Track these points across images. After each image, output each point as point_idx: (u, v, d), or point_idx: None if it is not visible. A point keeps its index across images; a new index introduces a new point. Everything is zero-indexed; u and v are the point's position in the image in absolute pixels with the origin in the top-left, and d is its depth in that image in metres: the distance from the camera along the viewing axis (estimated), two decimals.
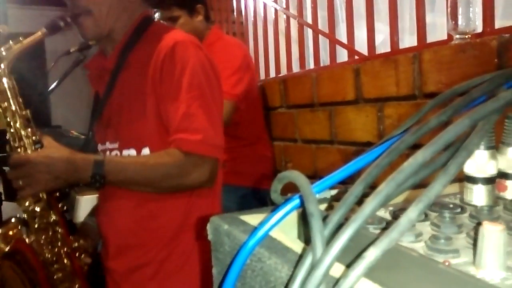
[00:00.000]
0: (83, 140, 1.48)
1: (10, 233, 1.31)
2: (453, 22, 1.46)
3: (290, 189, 0.45)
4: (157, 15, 2.18)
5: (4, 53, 1.27)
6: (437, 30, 1.85)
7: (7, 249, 1.28)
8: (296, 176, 0.35)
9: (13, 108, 1.27)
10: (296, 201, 0.38)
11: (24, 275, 1.29)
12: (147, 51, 1.29)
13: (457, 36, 1.45)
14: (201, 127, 1.21)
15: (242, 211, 0.48)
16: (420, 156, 0.30)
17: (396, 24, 1.81)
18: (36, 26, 1.33)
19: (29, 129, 1.27)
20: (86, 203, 2.12)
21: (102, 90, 1.38)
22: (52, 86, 2.29)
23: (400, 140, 0.35)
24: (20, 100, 1.29)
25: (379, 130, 1.76)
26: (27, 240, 1.30)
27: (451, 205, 0.40)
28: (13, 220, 1.33)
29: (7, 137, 1.27)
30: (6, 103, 1.27)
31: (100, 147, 1.39)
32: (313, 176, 2.21)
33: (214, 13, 3.53)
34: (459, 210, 0.39)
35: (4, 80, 1.27)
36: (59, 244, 1.30)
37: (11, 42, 1.28)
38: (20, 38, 1.29)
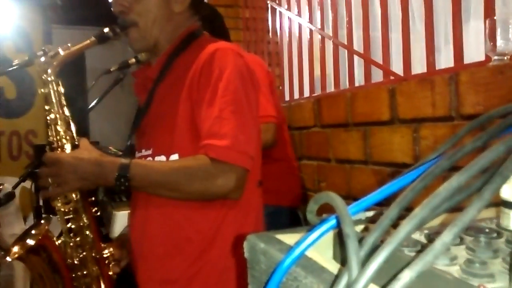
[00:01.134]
0: (124, 148, 1.51)
1: (39, 231, 1.33)
2: (491, 43, 1.44)
3: (325, 209, 0.46)
4: None
5: (51, 58, 1.31)
6: (472, 50, 1.83)
7: (33, 243, 1.29)
8: (333, 198, 0.36)
9: (56, 110, 1.31)
10: (332, 222, 0.39)
11: (50, 273, 1.31)
12: (189, 60, 1.30)
13: (495, 57, 1.43)
14: (231, 133, 1.18)
15: (278, 230, 0.49)
16: (455, 181, 0.31)
17: (432, 44, 1.80)
18: None
19: (69, 132, 1.31)
20: (122, 218, 2.16)
21: (144, 99, 1.41)
22: (93, 103, 2.37)
23: (435, 165, 0.36)
24: (64, 103, 1.33)
25: (414, 151, 1.74)
26: (55, 240, 1.32)
27: (487, 230, 0.40)
28: (43, 220, 1.36)
29: (48, 138, 1.31)
30: (49, 106, 1.31)
31: (137, 154, 1.42)
32: (347, 197, 2.20)
33: (249, 33, 3.59)
34: (495, 235, 0.40)
35: (50, 84, 1.31)
36: (88, 248, 1.31)
37: (59, 49, 1.32)
38: (69, 45, 1.33)
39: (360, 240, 0.34)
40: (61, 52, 1.31)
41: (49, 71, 1.31)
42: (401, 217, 0.35)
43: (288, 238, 0.46)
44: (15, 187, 1.61)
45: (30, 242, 1.27)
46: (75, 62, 1.40)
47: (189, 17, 1.42)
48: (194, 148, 1.22)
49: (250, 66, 1.30)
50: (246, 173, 1.21)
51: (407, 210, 0.36)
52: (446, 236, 0.29)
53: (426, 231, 0.41)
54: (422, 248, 0.37)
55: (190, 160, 1.21)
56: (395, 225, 0.37)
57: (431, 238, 0.39)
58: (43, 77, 1.32)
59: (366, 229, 0.49)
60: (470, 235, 0.40)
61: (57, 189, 1.22)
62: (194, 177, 1.18)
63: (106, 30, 1.33)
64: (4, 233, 3.04)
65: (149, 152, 1.34)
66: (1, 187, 1.26)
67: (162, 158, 1.29)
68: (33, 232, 1.31)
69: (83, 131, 1.38)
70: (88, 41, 1.33)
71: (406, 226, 0.30)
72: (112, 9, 1.37)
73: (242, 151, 1.18)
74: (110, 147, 2.82)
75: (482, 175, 0.37)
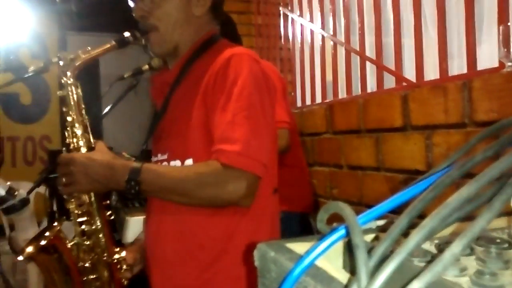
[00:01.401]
0: (139, 152, 1.51)
1: (51, 232, 1.34)
2: (505, 49, 1.43)
3: (336, 218, 0.46)
4: None
5: (71, 61, 1.32)
6: (485, 56, 1.82)
7: (44, 243, 1.30)
8: (342, 208, 0.37)
9: (74, 112, 1.32)
10: (341, 232, 0.39)
11: (61, 275, 1.32)
12: (206, 65, 1.29)
13: (509, 63, 1.42)
14: (243, 138, 1.16)
15: (289, 238, 0.49)
16: (465, 191, 0.31)
17: (445, 50, 1.79)
18: None
19: (85, 134, 1.32)
20: (135, 224, 2.18)
21: (161, 103, 1.41)
22: (106, 109, 2.39)
23: (446, 175, 0.36)
24: (82, 106, 1.34)
25: (427, 158, 1.73)
26: (67, 242, 1.33)
27: (498, 240, 0.40)
28: (56, 222, 1.37)
29: (66, 139, 1.32)
30: (67, 108, 1.32)
31: (153, 158, 1.42)
32: (359, 203, 2.19)
33: (262, 39, 3.61)
34: (506, 245, 0.39)
35: (69, 86, 1.32)
36: (100, 251, 1.32)
37: (79, 51, 1.33)
38: (88, 48, 1.33)
39: (370, 250, 0.34)
40: (81, 55, 1.32)
41: (69, 73, 1.31)
42: (412, 225, 0.35)
43: (299, 246, 0.47)
44: (29, 192, 1.63)
45: (42, 242, 1.28)
46: (90, 68, 1.41)
47: (209, 21, 1.41)
48: (208, 153, 1.21)
49: (266, 72, 1.29)
50: (257, 180, 1.19)
51: (420, 217, 0.36)
52: (456, 247, 0.29)
53: (436, 241, 0.41)
54: (431, 259, 0.36)
55: (201, 165, 1.21)
56: (405, 234, 0.37)
57: (441, 248, 0.39)
58: (62, 80, 1.33)
59: (376, 238, 0.49)
60: (480, 245, 0.39)
61: (67, 188, 1.23)
62: (204, 183, 1.17)
63: (126, 34, 1.34)
64: (19, 238, 3.07)
65: (165, 156, 1.34)
66: (16, 193, 1.27)
67: (177, 162, 1.29)
68: (46, 234, 1.32)
69: (97, 137, 1.39)
70: (108, 45, 1.33)
71: (415, 236, 0.30)
72: (133, 14, 1.37)
73: (254, 157, 1.16)
74: (124, 153, 2.85)
75: (493, 184, 0.36)
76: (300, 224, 2.45)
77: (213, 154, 1.18)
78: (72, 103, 1.32)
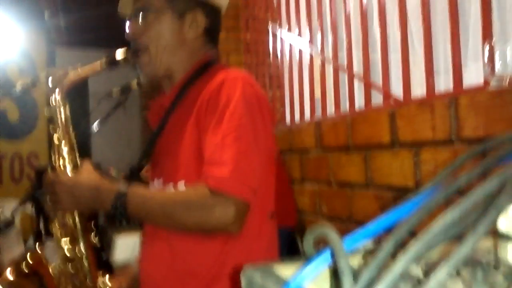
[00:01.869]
0: (129, 172, 1.49)
1: (33, 257, 1.32)
2: (490, 67, 1.45)
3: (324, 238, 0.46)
4: None
5: (59, 79, 1.31)
6: (471, 73, 1.84)
7: (26, 269, 1.28)
8: (327, 232, 0.36)
9: (61, 131, 1.31)
10: (327, 255, 0.39)
11: None
12: (200, 89, 1.29)
13: (494, 81, 1.44)
14: (231, 161, 1.13)
15: (276, 261, 0.49)
16: (448, 216, 0.31)
17: (431, 67, 1.81)
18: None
19: (72, 153, 1.31)
20: (123, 243, 2.16)
21: (156, 127, 1.39)
22: (95, 126, 2.38)
23: (430, 199, 0.36)
24: (70, 124, 1.33)
25: (415, 175, 1.74)
26: (49, 267, 1.31)
27: (484, 262, 0.40)
28: (37, 245, 1.35)
29: (51, 158, 1.31)
30: (54, 126, 1.31)
31: (150, 184, 1.40)
32: (348, 220, 2.19)
33: (250, 56, 3.63)
34: (492, 268, 0.39)
35: (57, 104, 1.31)
36: (83, 277, 1.29)
37: (68, 69, 1.32)
38: (78, 67, 1.32)
39: (356, 274, 0.34)
40: (70, 74, 1.31)
41: (57, 92, 1.30)
42: (404, 241, 0.34)
43: (285, 269, 0.46)
44: (15, 211, 1.61)
45: (22, 267, 1.26)
46: (78, 85, 1.40)
47: (204, 44, 1.39)
48: (199, 176, 1.19)
49: (261, 95, 1.28)
50: (246, 205, 1.15)
51: (411, 235, 0.36)
52: (440, 273, 0.29)
53: (422, 265, 0.41)
54: (417, 282, 0.36)
55: (189, 190, 1.19)
56: (394, 253, 0.36)
57: (427, 272, 0.39)
58: (50, 98, 1.32)
59: (364, 260, 0.49)
60: (467, 268, 0.39)
61: (51, 208, 1.22)
62: (190, 208, 1.15)
63: (116, 54, 1.33)
64: (4, 258, 3.03)
65: (160, 181, 1.33)
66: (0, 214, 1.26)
67: (170, 187, 1.27)
68: (28, 257, 1.30)
69: (85, 153, 1.38)
70: (98, 64, 1.33)
71: (401, 261, 0.30)
72: (125, 34, 1.37)
73: (243, 182, 1.13)
74: (111, 169, 2.83)
75: (478, 206, 0.36)
76: (285, 240, 2.46)
77: (202, 177, 1.16)
78: (60, 122, 1.30)
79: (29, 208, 2.91)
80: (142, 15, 1.33)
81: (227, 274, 1.22)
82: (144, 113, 5.45)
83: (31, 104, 5.58)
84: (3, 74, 5.16)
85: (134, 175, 1.48)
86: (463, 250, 0.29)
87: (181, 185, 1.24)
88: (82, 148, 1.38)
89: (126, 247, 2.14)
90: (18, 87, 1.76)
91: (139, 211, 1.19)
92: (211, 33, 1.41)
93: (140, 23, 1.33)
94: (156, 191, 1.28)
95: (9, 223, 1.25)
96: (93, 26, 5.27)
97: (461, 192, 0.40)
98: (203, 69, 1.36)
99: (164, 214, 1.18)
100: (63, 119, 1.32)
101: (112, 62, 1.33)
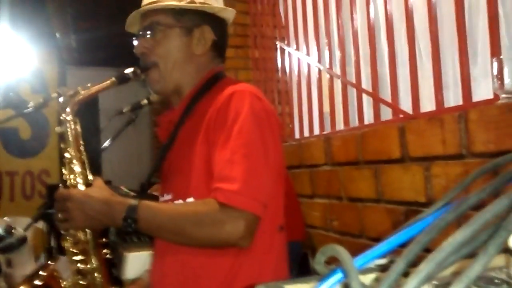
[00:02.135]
0: (139, 187, 1.50)
1: (46, 272, 1.32)
2: (499, 81, 1.45)
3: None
4: None
5: (71, 97, 1.32)
6: (481, 88, 1.84)
7: (39, 283, 1.28)
8: (339, 251, 0.37)
9: (72, 149, 1.31)
10: (339, 274, 0.39)
11: None
12: (208, 104, 1.29)
13: (504, 95, 1.44)
14: (241, 177, 1.14)
15: (288, 280, 0.49)
16: (459, 236, 0.31)
17: (440, 81, 1.82)
18: None
19: (83, 171, 1.31)
20: (134, 259, 2.16)
21: (166, 142, 1.40)
22: (106, 143, 2.40)
23: (440, 218, 0.36)
24: (81, 142, 1.33)
25: (426, 190, 1.73)
26: (62, 281, 1.31)
27: (496, 280, 0.40)
28: (50, 261, 1.35)
29: (63, 176, 1.31)
30: (66, 144, 1.31)
31: (160, 199, 1.41)
32: (360, 235, 2.17)
33: (259, 73, 3.65)
34: (504, 286, 0.39)
35: (68, 122, 1.31)
36: None
37: (79, 88, 1.33)
38: (89, 85, 1.33)
39: None
40: (81, 92, 1.32)
41: (68, 109, 1.31)
42: (419, 258, 0.35)
43: None
44: (26, 228, 1.62)
45: (37, 282, 1.26)
46: (89, 103, 1.41)
47: (212, 59, 1.41)
48: (209, 191, 1.19)
49: (269, 109, 1.28)
50: (256, 220, 1.16)
51: (427, 251, 0.36)
52: None
53: (435, 282, 0.41)
54: None
55: (199, 204, 1.19)
56: (406, 273, 0.37)
57: None
58: (61, 116, 1.32)
59: (376, 279, 0.49)
60: (479, 286, 0.39)
61: (64, 224, 1.22)
62: (201, 223, 1.15)
63: (126, 71, 1.34)
64: (17, 275, 3.03)
65: (170, 196, 1.33)
66: (13, 231, 1.27)
67: (180, 202, 1.27)
68: (40, 273, 1.30)
69: (96, 170, 1.38)
70: (108, 82, 1.33)
71: (412, 282, 0.30)
72: (134, 51, 1.39)
73: (253, 196, 1.14)
74: (122, 187, 2.84)
75: (488, 226, 0.37)
76: (294, 253, 2.45)
77: (211, 193, 1.17)
78: (71, 139, 1.31)
79: (41, 224, 2.93)
80: (151, 32, 1.35)
81: (239, 286, 1.22)
82: (154, 129, 5.48)
83: (42, 122, 5.64)
84: (15, 93, 5.23)
85: (145, 191, 1.49)
86: (474, 270, 0.29)
87: (191, 201, 1.25)
88: (93, 165, 1.39)
89: (137, 263, 2.14)
90: (31, 106, 1.79)
91: (150, 225, 1.19)
92: (219, 48, 1.43)
93: (149, 40, 1.35)
94: (166, 206, 1.28)
95: (22, 240, 1.27)
96: (103, 46, 5.35)
97: (473, 208, 0.40)
98: (211, 83, 1.37)
99: (175, 228, 1.18)
100: (74, 137, 1.32)
101: (122, 79, 1.34)
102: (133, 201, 1.19)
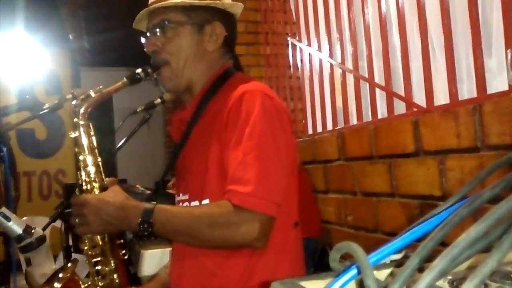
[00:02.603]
0: (154, 186, 1.51)
1: (65, 274, 1.33)
2: None
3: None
4: None
5: (82, 101, 1.32)
6: (496, 78, 1.82)
7: (59, 286, 1.30)
8: (353, 248, 0.37)
9: (86, 153, 1.31)
10: (354, 271, 0.39)
11: None
12: (220, 102, 1.28)
13: None
14: (254, 179, 1.14)
15: (303, 276, 0.49)
16: (473, 231, 0.31)
17: (454, 74, 1.80)
18: (107, 86, 1.40)
19: (98, 175, 1.30)
20: (150, 257, 2.18)
21: (179, 141, 1.39)
22: (120, 143, 2.43)
23: (454, 213, 0.36)
24: (94, 146, 1.33)
25: (441, 183, 1.72)
26: (81, 283, 1.32)
27: None
28: (70, 263, 1.37)
29: (78, 180, 1.31)
30: (80, 148, 1.31)
31: (176, 198, 1.41)
32: (375, 230, 2.17)
33: (271, 69, 3.65)
34: None
35: (81, 127, 1.31)
36: None
37: (91, 91, 1.32)
38: (100, 87, 1.32)
39: None
40: (92, 95, 1.32)
41: (81, 113, 1.30)
42: (434, 252, 0.35)
43: (313, 285, 0.47)
44: (45, 228, 1.65)
45: (57, 285, 1.28)
46: (103, 103, 1.41)
47: (223, 55, 1.40)
48: (223, 193, 1.19)
49: (280, 107, 1.27)
50: (271, 220, 1.16)
51: (443, 245, 0.36)
52: None
53: (450, 277, 0.41)
54: None
55: (213, 206, 1.20)
56: (420, 268, 0.37)
57: (454, 285, 0.39)
58: (74, 120, 1.31)
59: (391, 274, 0.49)
60: (495, 281, 0.39)
61: (81, 229, 1.23)
62: (215, 225, 1.16)
63: (137, 71, 1.33)
64: (35, 273, 3.08)
65: (186, 197, 1.33)
66: (32, 231, 1.29)
67: (196, 203, 1.28)
68: (60, 275, 1.32)
69: (111, 170, 1.39)
70: (120, 83, 1.32)
71: (426, 278, 0.31)
72: (145, 49, 1.38)
73: (266, 197, 1.14)
74: (137, 185, 2.87)
75: (503, 221, 0.37)
76: (309, 249, 2.45)
77: (225, 194, 1.17)
78: (85, 143, 1.31)
79: (58, 223, 2.97)
80: (161, 29, 1.33)
81: (255, 286, 1.23)
82: (167, 128, 5.51)
83: (58, 123, 5.71)
84: (31, 96, 5.30)
85: (159, 190, 1.50)
86: (488, 265, 0.29)
87: (206, 203, 1.25)
88: (108, 164, 1.39)
89: (153, 260, 2.16)
90: (46, 107, 1.82)
91: (165, 228, 1.20)
92: (229, 43, 1.41)
93: (159, 38, 1.33)
94: (181, 209, 1.29)
95: (41, 240, 1.29)
96: (115, 47, 5.39)
97: (489, 202, 0.40)
98: (222, 80, 1.36)
99: (190, 231, 1.19)
100: (88, 141, 1.32)
101: (134, 79, 1.33)
102: (148, 205, 1.19)
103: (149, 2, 1.37)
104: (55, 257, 3.29)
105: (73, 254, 2.60)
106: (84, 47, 5.84)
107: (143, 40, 1.39)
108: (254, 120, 1.19)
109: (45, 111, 1.83)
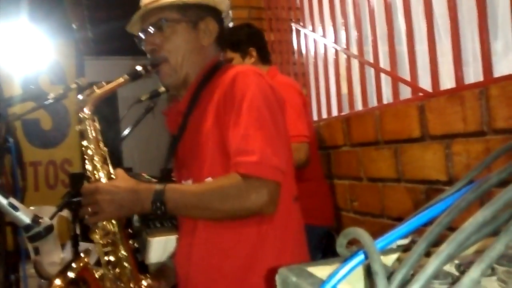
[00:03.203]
0: (160, 173, 1.52)
1: (79, 264, 1.35)
2: None
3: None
4: None
5: (87, 97, 1.35)
6: (502, 61, 1.80)
7: (73, 275, 1.32)
8: (360, 234, 0.37)
9: (93, 146, 1.34)
10: (361, 256, 0.39)
11: None
12: (214, 89, 1.34)
13: None
14: (258, 149, 1.20)
15: (311, 262, 0.50)
16: (480, 216, 0.31)
17: (460, 58, 1.78)
18: (112, 75, 1.43)
19: (105, 167, 1.33)
20: (157, 244, 2.19)
21: (176, 132, 1.44)
22: (125, 132, 2.43)
23: (461, 198, 0.36)
24: (100, 138, 1.37)
25: (447, 168, 1.71)
26: (94, 272, 1.34)
27: None
28: (82, 253, 1.39)
29: (86, 171, 1.34)
30: (86, 142, 1.34)
31: None
32: (381, 215, 2.17)
33: (275, 56, 3.63)
34: None
35: (87, 121, 1.34)
36: (127, 280, 1.32)
37: (94, 87, 1.36)
38: (103, 83, 1.37)
39: (390, 275, 0.34)
40: (96, 90, 1.36)
41: (86, 109, 1.34)
42: (442, 237, 0.35)
43: (320, 270, 0.47)
44: (52, 217, 1.66)
45: (70, 274, 1.30)
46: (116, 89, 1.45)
47: (214, 49, 1.46)
48: (224, 172, 1.25)
49: (272, 86, 1.33)
50: (278, 186, 1.22)
51: (450, 229, 0.36)
52: (474, 272, 0.29)
53: (457, 261, 0.41)
54: (452, 281, 0.37)
55: (222, 179, 1.24)
56: (427, 253, 0.37)
57: (461, 269, 0.39)
58: (79, 115, 1.35)
59: (398, 259, 0.49)
60: (502, 264, 0.39)
61: (94, 217, 1.24)
62: (227, 196, 1.21)
63: (138, 68, 1.38)
64: (44, 262, 3.12)
65: (190, 182, 1.37)
66: (40, 220, 1.30)
67: None
68: (73, 265, 1.34)
69: (116, 159, 1.41)
70: (121, 79, 1.37)
71: (433, 262, 0.31)
72: (143, 48, 1.43)
73: (271, 164, 1.20)
74: (143, 173, 2.88)
75: (510, 206, 0.37)
76: (323, 237, 2.45)
77: (231, 167, 1.22)
78: (91, 137, 1.34)
79: (65, 212, 2.99)
80: (159, 28, 1.38)
81: (264, 260, 1.27)
82: None
83: (63, 113, 5.73)
84: (35, 87, 5.31)
85: (165, 176, 1.52)
86: (496, 249, 0.29)
87: (214, 178, 1.28)
88: (114, 153, 1.41)
89: (160, 248, 2.18)
90: (51, 97, 1.82)
91: (178, 205, 1.24)
92: (220, 38, 1.47)
93: (157, 36, 1.38)
94: (191, 186, 1.32)
95: (49, 229, 1.30)
96: (119, 36, 5.36)
97: (496, 186, 0.40)
98: (213, 71, 1.42)
99: (202, 205, 1.23)
100: (94, 134, 1.35)
101: (135, 76, 1.37)
102: (158, 186, 1.24)
103: (142, 4, 1.41)
104: (63, 246, 3.33)
105: (80, 243, 2.62)
106: (88, 36, 5.82)
107: (142, 36, 1.43)
108: (251, 97, 1.24)
109: (50, 101, 1.83)
